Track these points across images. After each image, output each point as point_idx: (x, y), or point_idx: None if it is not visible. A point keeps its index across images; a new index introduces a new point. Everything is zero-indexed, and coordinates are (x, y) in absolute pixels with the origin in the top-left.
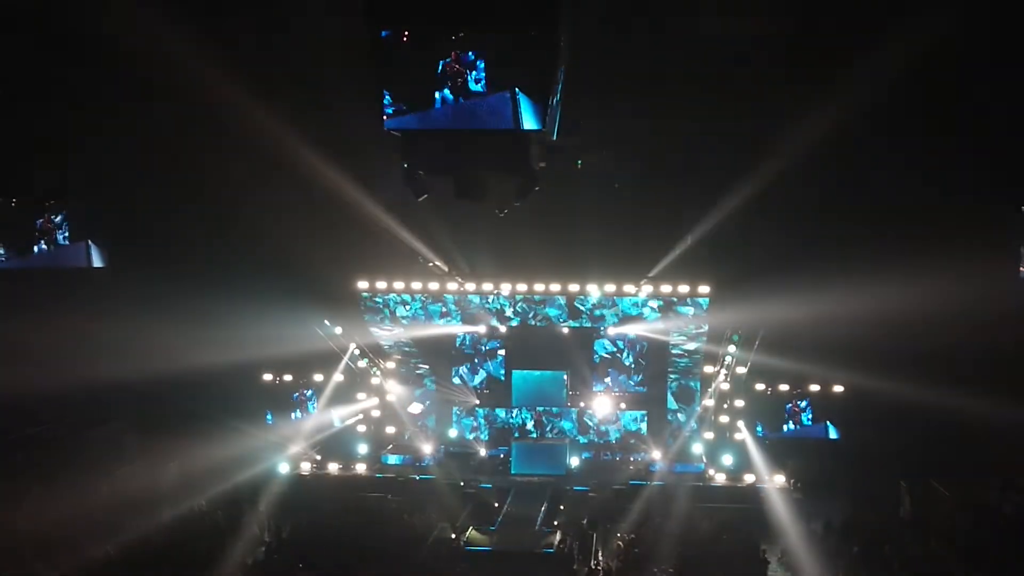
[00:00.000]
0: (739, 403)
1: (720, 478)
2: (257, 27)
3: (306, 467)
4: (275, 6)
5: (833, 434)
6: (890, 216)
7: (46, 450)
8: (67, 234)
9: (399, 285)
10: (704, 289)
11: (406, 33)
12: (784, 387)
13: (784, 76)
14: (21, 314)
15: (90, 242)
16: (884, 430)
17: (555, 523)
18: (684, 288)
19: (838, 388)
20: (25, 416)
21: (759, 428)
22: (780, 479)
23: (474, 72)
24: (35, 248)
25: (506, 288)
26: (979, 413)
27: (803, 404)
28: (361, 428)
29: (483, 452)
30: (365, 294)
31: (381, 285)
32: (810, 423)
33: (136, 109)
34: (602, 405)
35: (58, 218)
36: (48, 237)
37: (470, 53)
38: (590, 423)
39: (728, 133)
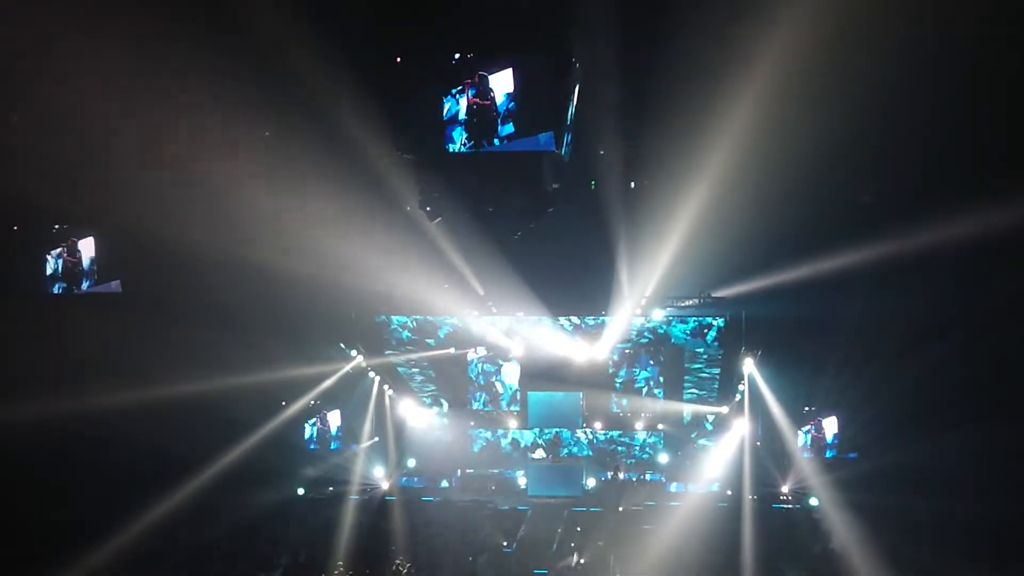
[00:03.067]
0: (758, 421)
1: (737, 497)
2: (273, 57)
3: (324, 490)
4: (292, 36)
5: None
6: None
7: (62, 470)
8: (96, 269)
9: (416, 310)
10: (719, 316)
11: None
12: (806, 407)
13: (795, 82)
14: (40, 337)
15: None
16: (909, 450)
17: (572, 544)
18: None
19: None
20: (42, 438)
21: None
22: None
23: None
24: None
25: (520, 314)
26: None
27: (828, 424)
28: (378, 451)
29: (500, 473)
30: (381, 317)
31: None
32: (835, 447)
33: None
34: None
35: (86, 260)
36: (72, 274)
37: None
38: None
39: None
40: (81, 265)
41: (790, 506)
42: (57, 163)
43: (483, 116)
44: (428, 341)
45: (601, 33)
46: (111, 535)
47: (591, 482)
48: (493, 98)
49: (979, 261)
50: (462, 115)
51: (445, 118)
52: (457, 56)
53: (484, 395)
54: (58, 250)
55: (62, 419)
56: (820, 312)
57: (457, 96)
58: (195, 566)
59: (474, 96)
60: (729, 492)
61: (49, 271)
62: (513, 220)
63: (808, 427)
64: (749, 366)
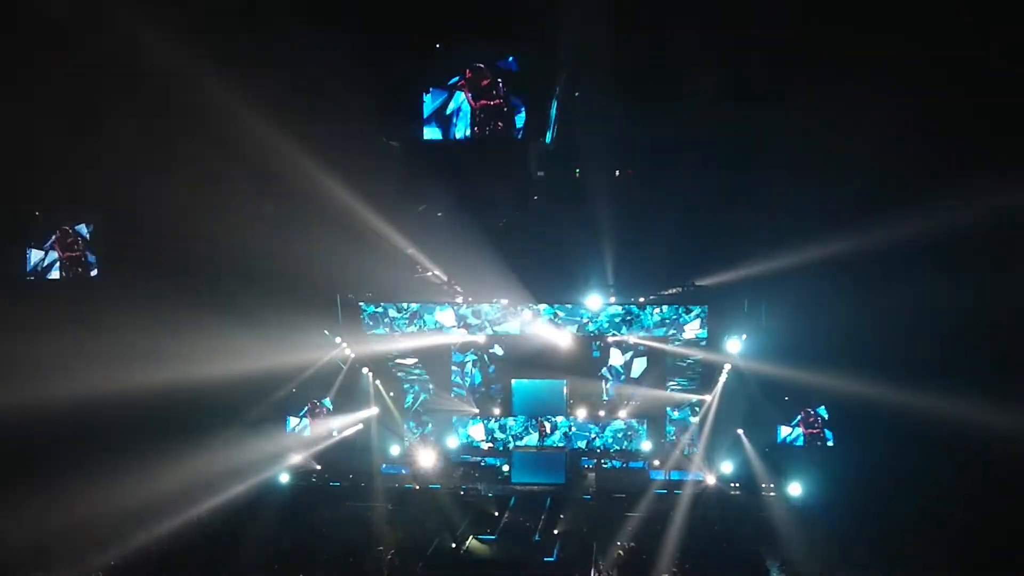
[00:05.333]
0: (740, 410)
1: (720, 486)
2: (258, 39)
3: (306, 477)
4: (276, 19)
5: (831, 441)
6: (907, 215)
7: (46, 459)
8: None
9: (398, 296)
10: (702, 304)
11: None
12: (787, 397)
13: (792, 75)
14: (26, 325)
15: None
16: (898, 441)
17: (555, 532)
18: (683, 300)
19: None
20: (26, 425)
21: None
22: (781, 486)
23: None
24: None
25: (504, 301)
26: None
27: (818, 415)
28: (361, 438)
29: (483, 461)
30: (364, 304)
31: (381, 296)
32: (830, 436)
33: (133, 114)
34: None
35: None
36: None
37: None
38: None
39: (731, 136)
40: (83, 254)
41: (771, 494)
42: (43, 150)
43: (493, 115)
44: (412, 328)
45: (586, 21)
46: (91, 521)
47: (574, 470)
48: (504, 97)
49: (970, 254)
50: (466, 111)
51: (447, 112)
52: (439, 44)
53: (468, 381)
54: (51, 239)
55: (41, 409)
56: (803, 301)
57: (454, 89)
58: (177, 554)
59: (478, 95)
60: (712, 480)
61: (36, 259)
62: (498, 208)
63: (797, 417)
64: (731, 354)
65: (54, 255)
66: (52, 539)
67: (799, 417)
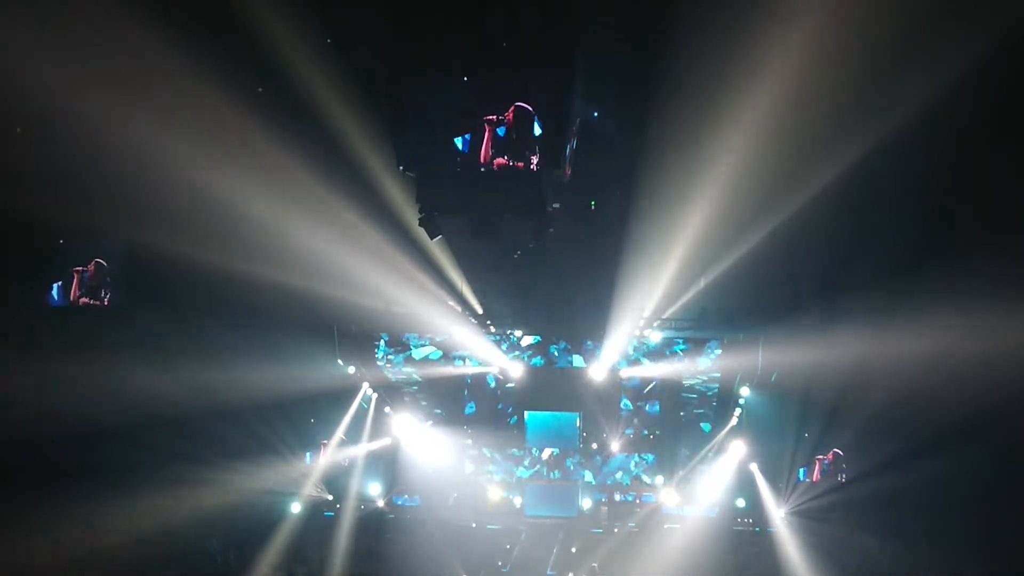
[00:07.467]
0: (754, 446)
1: (732, 520)
2: (278, 64)
3: (318, 507)
4: (296, 44)
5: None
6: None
7: (58, 486)
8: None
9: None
10: (716, 336)
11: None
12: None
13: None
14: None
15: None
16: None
17: (567, 565)
18: (696, 333)
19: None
20: (36, 451)
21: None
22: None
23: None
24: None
25: (519, 333)
26: None
27: (836, 452)
28: (373, 468)
29: (495, 493)
30: (380, 335)
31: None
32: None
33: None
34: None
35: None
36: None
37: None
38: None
39: (749, 165)
40: (105, 284)
41: (783, 529)
42: (62, 175)
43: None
44: (424, 357)
45: (603, 50)
46: (103, 551)
47: (587, 503)
48: (532, 162)
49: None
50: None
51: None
52: (467, 78)
53: (480, 412)
54: (76, 269)
55: (60, 429)
56: (821, 336)
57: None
58: None
59: (497, 148)
60: (725, 515)
61: (58, 289)
62: (513, 240)
63: (820, 456)
64: (746, 388)
65: (76, 285)
66: (62, 569)
67: (816, 454)
